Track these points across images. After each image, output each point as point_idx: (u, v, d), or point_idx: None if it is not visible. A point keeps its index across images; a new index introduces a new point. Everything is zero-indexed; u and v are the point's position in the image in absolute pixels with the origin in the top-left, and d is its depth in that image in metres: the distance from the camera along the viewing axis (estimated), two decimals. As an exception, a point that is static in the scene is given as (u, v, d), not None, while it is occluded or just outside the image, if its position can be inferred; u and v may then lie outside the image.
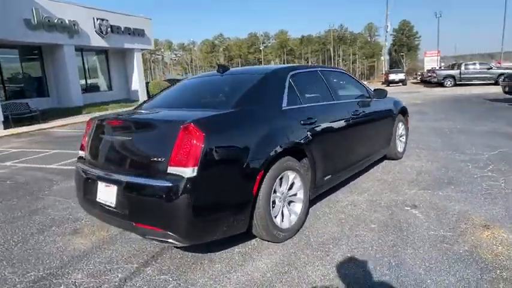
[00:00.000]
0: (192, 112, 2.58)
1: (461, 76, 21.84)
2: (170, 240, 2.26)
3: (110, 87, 20.19)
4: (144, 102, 3.55)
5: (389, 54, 73.80)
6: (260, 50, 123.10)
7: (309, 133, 2.96)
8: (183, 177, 2.15)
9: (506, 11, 42.62)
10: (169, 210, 2.18)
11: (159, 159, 2.26)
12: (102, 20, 17.21)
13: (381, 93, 4.25)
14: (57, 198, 4.35)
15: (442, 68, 27.25)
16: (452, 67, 24.05)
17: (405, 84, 29.40)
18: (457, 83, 21.97)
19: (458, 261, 2.35)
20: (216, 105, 2.72)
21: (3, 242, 3.15)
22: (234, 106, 2.62)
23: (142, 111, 3.16)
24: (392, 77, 30.38)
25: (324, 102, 3.45)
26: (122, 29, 18.51)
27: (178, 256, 2.69)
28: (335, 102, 3.58)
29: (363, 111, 3.89)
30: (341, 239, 2.77)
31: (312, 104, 3.26)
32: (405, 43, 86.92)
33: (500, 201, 3.32)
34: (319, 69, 3.73)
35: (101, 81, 20.16)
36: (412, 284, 2.13)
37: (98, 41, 17.32)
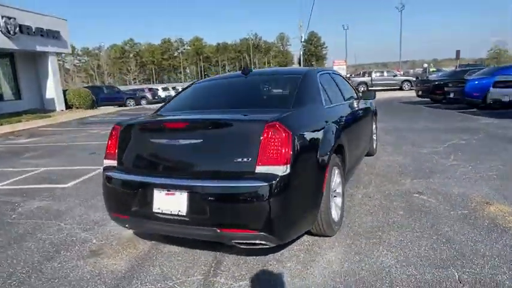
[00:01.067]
0: (255, 113, 2.54)
1: (372, 82, 24.71)
2: (261, 242, 2.22)
3: (18, 96, 17.63)
4: (163, 106, 3.32)
5: (300, 63, 79.03)
6: (175, 57, 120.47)
7: (342, 131, 3.16)
8: (277, 176, 2.14)
9: (402, 25, 49.46)
10: (264, 210, 2.14)
11: (242, 159, 2.20)
12: (9, 18, 14.99)
13: (369, 95, 4.68)
14: (38, 220, 3.76)
15: (353, 75, 30.37)
16: (363, 75, 27.03)
17: (323, 91, 31.93)
18: (369, 88, 24.76)
19: (490, 231, 2.78)
20: (271, 105, 2.71)
21: (8, 275, 2.64)
22: (294, 106, 2.67)
23: (171, 114, 2.96)
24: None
25: (341, 102, 3.69)
26: (33, 30, 16.38)
27: (241, 262, 2.61)
28: (345, 102, 3.85)
29: (360, 111, 4.26)
30: (383, 226, 3.01)
31: (337, 104, 3.47)
32: (314, 53, 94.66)
33: (482, 182, 3.97)
34: (329, 71, 3.98)
35: (6, 89, 17.49)
36: (471, 253, 2.47)
37: (3, 42, 15.02)
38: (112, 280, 2.50)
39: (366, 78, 25.37)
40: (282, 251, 2.71)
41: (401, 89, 23.65)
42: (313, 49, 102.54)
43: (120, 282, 2.47)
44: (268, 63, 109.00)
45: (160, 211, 2.39)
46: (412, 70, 45.67)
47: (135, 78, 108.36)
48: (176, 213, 2.33)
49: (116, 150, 2.71)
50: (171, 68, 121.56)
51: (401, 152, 5.75)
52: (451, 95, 11.57)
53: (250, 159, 2.19)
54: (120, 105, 24.16)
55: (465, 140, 6.36)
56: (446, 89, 11.92)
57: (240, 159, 2.21)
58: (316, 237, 2.88)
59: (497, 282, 2.13)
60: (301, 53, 47.32)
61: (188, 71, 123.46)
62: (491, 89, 9.32)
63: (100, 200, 4.34)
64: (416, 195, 3.71)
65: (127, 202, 2.56)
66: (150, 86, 42.00)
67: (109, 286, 2.43)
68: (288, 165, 2.17)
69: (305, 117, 2.63)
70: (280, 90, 3.08)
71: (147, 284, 2.42)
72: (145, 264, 2.69)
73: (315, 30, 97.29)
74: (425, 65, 30.75)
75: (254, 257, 2.65)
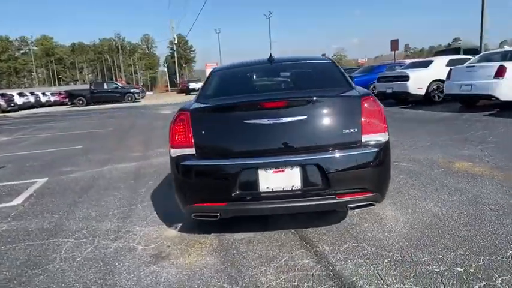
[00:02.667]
0: (327, 92, 2.74)
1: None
2: (371, 202, 2.48)
3: None
4: (199, 96, 3.11)
5: (167, 65, 76.75)
6: (16, 58, 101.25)
7: None
8: (383, 142, 2.45)
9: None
10: (379, 173, 2.43)
11: (348, 130, 2.41)
12: None
13: None
14: (31, 242, 3.05)
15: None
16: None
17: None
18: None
19: (474, 179, 3.68)
20: (329, 85, 2.89)
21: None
22: (349, 85, 2.93)
23: (217, 100, 2.85)
24: (192, 85, 34.50)
25: None
26: None
27: (324, 231, 2.77)
28: None
29: None
30: (401, 187, 3.62)
31: None
32: (183, 55, 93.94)
33: (430, 150, 5.05)
34: None
35: None
36: (480, 192, 3.30)
37: None
38: (216, 273, 2.36)
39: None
40: (348, 217, 3.01)
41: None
42: (182, 52, 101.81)
43: (227, 273, 2.35)
44: (134, 65, 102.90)
45: (269, 190, 2.39)
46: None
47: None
48: (290, 188, 2.38)
49: (192, 137, 2.52)
50: (11, 71, 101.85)
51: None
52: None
53: (355, 129, 2.43)
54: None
55: (383, 123, 7.77)
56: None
57: (346, 131, 2.42)
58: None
59: (517, 204, 2.98)
60: (176, 55, 46.62)
61: (35, 74, 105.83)
62: (376, 83, 11.46)
63: (91, 208, 3.76)
64: (396, 163, 4.51)
65: (223, 188, 2.43)
66: (3, 91, 34.77)
67: (219, 278, 2.29)
68: (387, 132, 2.51)
69: None
70: (323, 74, 3.27)
71: (258, 266, 2.38)
72: (233, 253, 2.60)
73: (182, 33, 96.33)
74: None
75: (330, 226, 2.87)
